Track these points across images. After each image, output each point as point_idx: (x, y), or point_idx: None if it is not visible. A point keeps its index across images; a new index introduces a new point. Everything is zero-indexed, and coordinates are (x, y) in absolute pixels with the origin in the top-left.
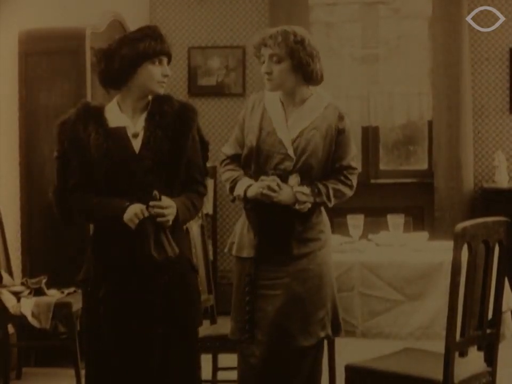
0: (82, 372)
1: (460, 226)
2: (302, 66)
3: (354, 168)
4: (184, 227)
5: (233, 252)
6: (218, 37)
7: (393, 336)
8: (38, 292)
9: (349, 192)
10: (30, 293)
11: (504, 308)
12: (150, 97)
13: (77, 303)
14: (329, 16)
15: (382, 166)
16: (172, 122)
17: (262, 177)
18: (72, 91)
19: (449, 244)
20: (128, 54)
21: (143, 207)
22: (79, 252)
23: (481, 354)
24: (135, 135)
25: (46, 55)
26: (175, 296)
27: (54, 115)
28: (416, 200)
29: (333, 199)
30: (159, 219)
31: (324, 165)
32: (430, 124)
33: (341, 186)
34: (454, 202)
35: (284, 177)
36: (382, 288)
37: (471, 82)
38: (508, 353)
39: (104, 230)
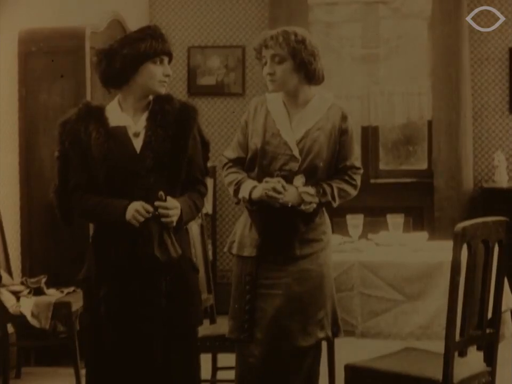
0: (82, 371)
1: (460, 226)
2: (304, 66)
3: (358, 168)
4: (184, 227)
5: (234, 251)
6: (218, 36)
7: (393, 336)
8: (38, 292)
9: (353, 192)
10: (29, 293)
11: (503, 307)
12: (151, 97)
13: (76, 303)
14: (329, 16)
15: (381, 166)
16: (173, 121)
17: (267, 179)
18: (72, 91)
19: (449, 244)
20: (129, 54)
21: (143, 203)
22: (79, 252)
23: (481, 354)
24: (136, 135)
25: (46, 55)
26: (175, 295)
27: (54, 115)
28: (416, 200)
29: (337, 199)
30: (163, 219)
31: (328, 165)
32: (430, 123)
33: (345, 186)
34: (453, 202)
35: (289, 178)
36: (382, 288)
37: (471, 82)
38: (507, 353)
39: (105, 229)
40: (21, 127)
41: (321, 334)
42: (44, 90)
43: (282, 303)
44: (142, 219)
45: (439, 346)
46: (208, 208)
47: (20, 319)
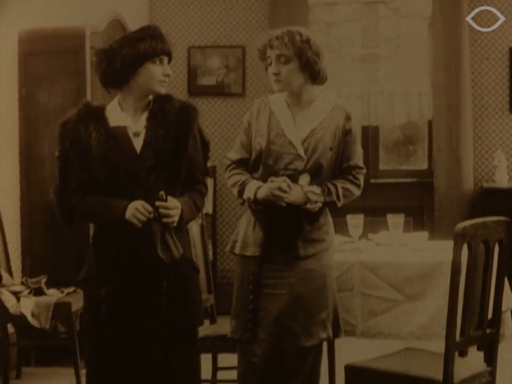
0: (82, 372)
1: (460, 226)
2: (309, 66)
3: (362, 168)
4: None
5: (237, 251)
6: (218, 36)
7: (393, 336)
8: (38, 292)
9: (357, 192)
10: (29, 293)
11: (504, 307)
12: (150, 97)
13: (76, 303)
14: (329, 16)
15: (382, 166)
16: (173, 121)
17: (272, 178)
18: (72, 91)
19: (449, 244)
20: (129, 54)
21: (143, 202)
22: (79, 252)
23: (481, 354)
24: (136, 134)
25: (46, 55)
26: (176, 295)
27: (54, 115)
28: (416, 200)
29: (342, 199)
30: (165, 220)
31: (333, 165)
32: (430, 123)
33: (349, 186)
34: (454, 202)
35: (294, 177)
36: (382, 288)
37: (471, 82)
38: (507, 353)
39: (105, 229)
40: (21, 127)
41: (323, 335)
42: (44, 90)
43: (285, 303)
44: (142, 217)
45: (439, 346)
46: (208, 208)
47: (20, 319)
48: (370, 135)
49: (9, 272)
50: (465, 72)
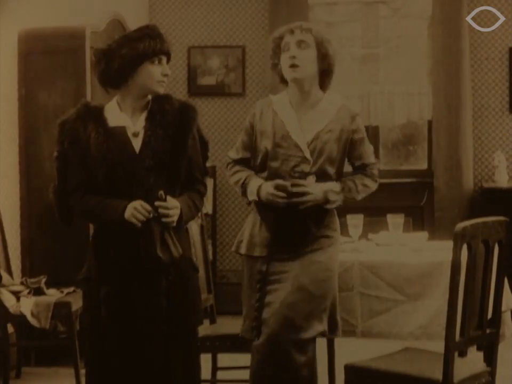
0: (82, 372)
1: (460, 226)
2: (327, 59)
3: (375, 163)
4: (184, 227)
5: (243, 251)
6: (218, 36)
7: (393, 336)
8: (38, 292)
9: (374, 186)
10: (29, 293)
11: (504, 307)
12: (149, 97)
13: (76, 303)
14: (329, 16)
15: (381, 166)
16: (172, 121)
17: (277, 181)
18: (72, 91)
19: (449, 244)
20: (127, 54)
21: (142, 202)
22: (79, 252)
23: (481, 354)
24: (135, 135)
25: (46, 55)
26: (176, 295)
27: (53, 115)
28: (416, 200)
29: (360, 194)
30: (164, 219)
31: (338, 167)
32: (430, 123)
33: (366, 181)
34: (454, 202)
35: (300, 179)
36: (382, 288)
37: (471, 82)
38: (507, 353)
39: (105, 229)
40: (21, 127)
41: (319, 327)
42: (43, 90)
43: (287, 294)
44: (141, 217)
45: (439, 346)
46: (208, 208)
47: (20, 319)
48: (370, 135)
49: (9, 272)
50: (465, 72)
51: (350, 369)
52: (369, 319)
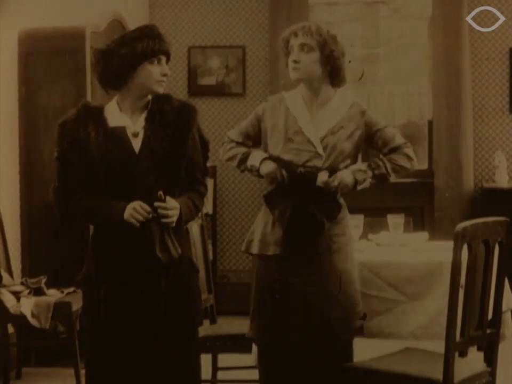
0: (82, 372)
1: (460, 226)
2: (331, 60)
3: (405, 142)
4: (184, 227)
5: (255, 251)
6: (218, 36)
7: (393, 336)
8: (38, 292)
9: (408, 165)
10: (29, 293)
11: (504, 307)
12: (149, 97)
13: (76, 303)
14: (329, 16)
15: None
16: (172, 121)
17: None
18: (72, 91)
19: (449, 244)
20: (126, 54)
21: (141, 202)
22: (79, 252)
23: (481, 354)
24: (135, 135)
25: (46, 55)
26: (176, 296)
27: (53, 115)
28: (416, 200)
29: (391, 172)
30: (163, 220)
31: (350, 163)
32: (430, 123)
33: (397, 160)
34: (454, 202)
35: (313, 175)
36: (382, 288)
37: (471, 82)
38: (508, 354)
39: (105, 230)
40: (21, 127)
41: (358, 324)
42: (44, 90)
43: (318, 301)
44: (140, 218)
45: (439, 347)
46: (208, 208)
47: (20, 319)
48: None
49: (9, 272)
50: (465, 72)
51: (350, 370)
52: (369, 319)
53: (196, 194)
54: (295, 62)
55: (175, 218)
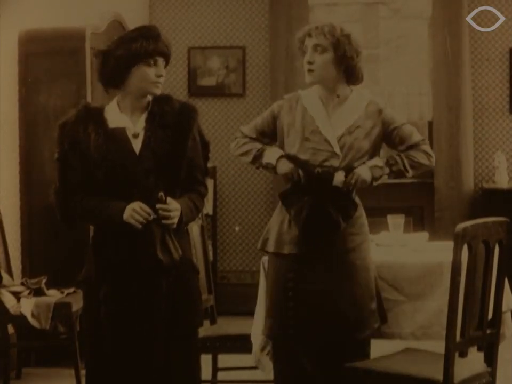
0: (82, 372)
1: (460, 226)
2: (345, 60)
3: (423, 140)
4: (185, 228)
5: (270, 249)
6: (218, 37)
7: (393, 336)
8: (38, 292)
9: (427, 161)
10: (29, 293)
11: (504, 308)
12: (150, 98)
13: (76, 303)
14: (329, 17)
15: None
16: (172, 122)
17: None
18: (72, 91)
19: (449, 244)
20: (122, 55)
21: (141, 203)
22: (79, 252)
23: (481, 354)
24: (135, 136)
25: (46, 55)
26: (176, 297)
27: (54, 115)
28: (416, 200)
29: (409, 168)
30: (164, 221)
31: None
32: (430, 124)
33: (416, 156)
34: (454, 202)
35: (329, 174)
36: (383, 288)
37: (471, 83)
38: (508, 354)
39: (105, 230)
40: (21, 127)
41: (375, 324)
42: (44, 90)
43: (333, 299)
44: (140, 219)
45: (439, 347)
46: (208, 208)
47: (20, 320)
48: None
49: (9, 272)
50: (465, 72)
51: (350, 370)
52: None
53: (197, 195)
54: (309, 63)
55: (176, 220)
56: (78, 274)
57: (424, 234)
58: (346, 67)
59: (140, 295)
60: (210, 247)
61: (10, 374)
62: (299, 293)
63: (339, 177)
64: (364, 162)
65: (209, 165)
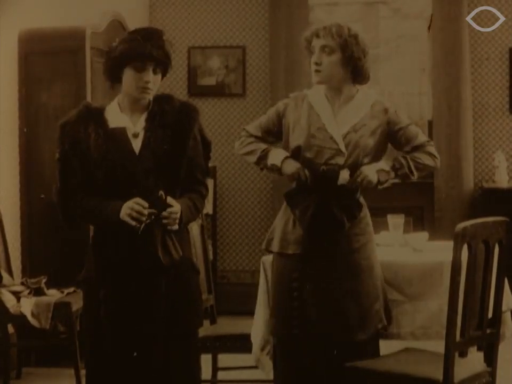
0: (82, 372)
1: (460, 226)
2: (353, 61)
3: (428, 141)
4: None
5: (275, 249)
6: (218, 37)
7: (393, 336)
8: (38, 292)
9: (432, 163)
10: (29, 293)
11: (504, 308)
12: (150, 98)
13: (76, 303)
14: (329, 16)
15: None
16: (172, 122)
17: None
18: (72, 91)
19: (449, 244)
20: (115, 55)
21: (138, 199)
22: (79, 252)
23: (481, 354)
24: (135, 135)
25: (46, 55)
26: (176, 296)
27: (54, 115)
28: (416, 200)
29: (415, 171)
30: (164, 221)
31: (372, 161)
32: (430, 123)
33: (421, 158)
34: (454, 202)
35: (334, 172)
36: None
37: (471, 82)
38: (508, 354)
39: (105, 230)
40: (21, 127)
41: (379, 325)
42: (44, 90)
43: (337, 298)
44: (137, 215)
45: (439, 347)
46: (208, 208)
47: (20, 319)
48: None
49: (9, 272)
50: (465, 72)
51: (350, 370)
52: None
53: (197, 195)
54: (317, 64)
55: (177, 221)
56: (78, 274)
57: (424, 234)
58: (354, 67)
59: (139, 295)
60: (210, 247)
61: (10, 374)
62: (303, 293)
63: (344, 175)
64: (369, 162)
65: (209, 164)
